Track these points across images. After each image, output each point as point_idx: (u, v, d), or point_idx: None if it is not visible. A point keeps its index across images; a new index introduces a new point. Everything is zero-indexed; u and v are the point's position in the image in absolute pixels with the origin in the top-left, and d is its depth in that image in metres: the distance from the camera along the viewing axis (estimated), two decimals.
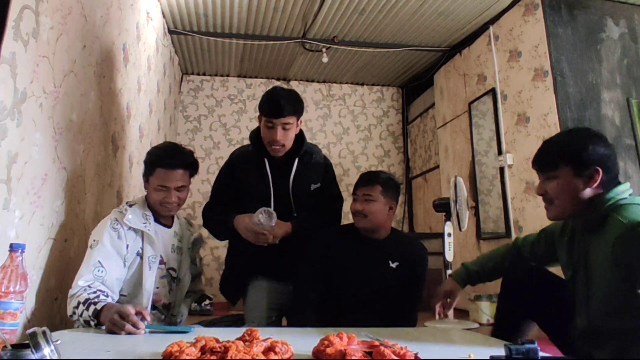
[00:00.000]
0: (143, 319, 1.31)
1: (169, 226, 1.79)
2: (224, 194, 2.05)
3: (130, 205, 1.69)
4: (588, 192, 1.30)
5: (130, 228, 1.62)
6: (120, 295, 1.62)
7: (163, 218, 1.77)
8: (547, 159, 1.36)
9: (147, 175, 1.73)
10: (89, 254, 1.56)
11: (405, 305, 1.88)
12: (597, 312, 1.31)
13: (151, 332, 1.33)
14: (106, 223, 1.61)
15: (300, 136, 2.01)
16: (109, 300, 1.46)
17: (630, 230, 1.20)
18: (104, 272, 1.53)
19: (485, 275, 1.70)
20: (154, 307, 1.67)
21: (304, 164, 2.00)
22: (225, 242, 2.14)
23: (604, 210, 1.28)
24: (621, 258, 1.22)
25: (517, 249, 1.69)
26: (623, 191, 1.31)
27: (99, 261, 1.53)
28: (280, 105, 1.83)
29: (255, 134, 2.00)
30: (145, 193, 1.77)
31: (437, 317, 1.44)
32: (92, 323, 1.37)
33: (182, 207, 1.86)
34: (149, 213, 1.71)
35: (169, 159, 1.69)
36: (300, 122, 1.96)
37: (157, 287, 1.68)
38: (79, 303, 1.41)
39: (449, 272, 3.57)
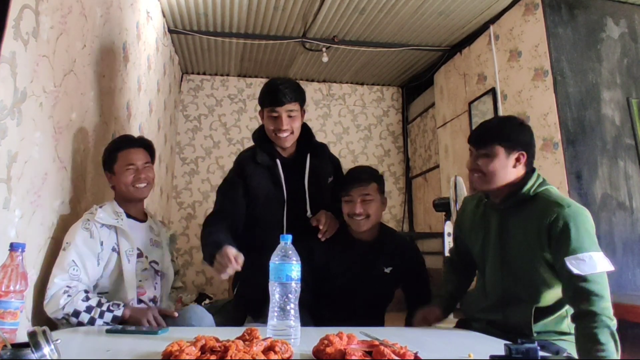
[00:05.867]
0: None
1: (143, 221, 1.82)
2: (229, 201, 1.87)
3: (100, 206, 1.71)
4: (513, 171, 1.50)
5: (102, 225, 1.64)
6: (102, 293, 1.64)
7: (135, 212, 1.80)
8: (484, 138, 1.53)
9: (111, 164, 1.77)
10: (62, 255, 1.57)
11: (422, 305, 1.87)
12: (509, 281, 1.52)
13: (120, 332, 1.33)
14: (78, 225, 1.64)
15: (308, 131, 1.94)
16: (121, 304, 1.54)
17: (565, 207, 1.40)
18: (78, 270, 1.55)
19: (453, 301, 1.78)
20: (139, 300, 1.68)
21: (318, 158, 1.93)
22: None
23: (532, 191, 1.49)
24: (551, 231, 1.39)
25: (450, 262, 1.87)
26: (539, 176, 1.53)
27: (72, 260, 1.55)
28: (281, 92, 1.78)
29: (259, 135, 1.92)
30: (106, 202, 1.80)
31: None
32: (104, 323, 1.48)
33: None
34: (120, 210, 1.73)
35: (126, 142, 1.81)
36: (304, 111, 1.89)
37: (140, 280, 1.69)
38: (77, 312, 1.47)
39: None
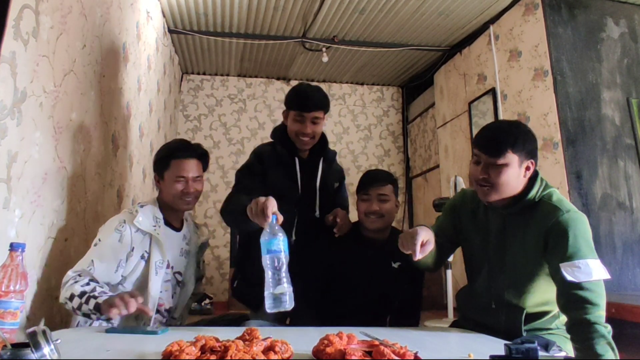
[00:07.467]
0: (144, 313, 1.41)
1: (179, 229, 1.77)
2: (251, 179, 1.90)
3: (142, 206, 1.66)
4: (522, 181, 1.45)
5: (138, 230, 1.60)
6: None
7: (174, 220, 1.75)
8: (498, 145, 1.42)
9: (162, 170, 1.71)
10: (89, 251, 1.57)
11: (409, 306, 1.88)
12: (504, 285, 1.48)
13: (119, 332, 1.32)
14: (113, 223, 1.60)
15: (324, 137, 2.03)
16: (109, 294, 1.45)
17: (564, 213, 1.38)
18: (93, 270, 1.53)
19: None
20: (156, 311, 1.66)
21: (328, 164, 2.03)
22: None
23: (537, 197, 1.45)
24: (549, 236, 1.38)
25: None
26: (542, 179, 1.48)
27: (92, 260, 1.53)
28: (311, 99, 1.89)
29: (281, 134, 1.98)
30: (153, 196, 1.75)
31: (416, 256, 1.39)
32: (94, 316, 1.40)
33: None
34: (160, 215, 1.68)
35: (182, 150, 1.73)
36: (325, 118, 1.99)
37: (161, 292, 1.65)
38: (72, 295, 1.42)
39: (449, 271, 3.57)
